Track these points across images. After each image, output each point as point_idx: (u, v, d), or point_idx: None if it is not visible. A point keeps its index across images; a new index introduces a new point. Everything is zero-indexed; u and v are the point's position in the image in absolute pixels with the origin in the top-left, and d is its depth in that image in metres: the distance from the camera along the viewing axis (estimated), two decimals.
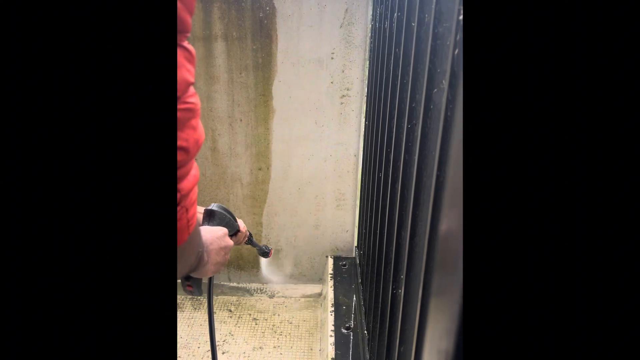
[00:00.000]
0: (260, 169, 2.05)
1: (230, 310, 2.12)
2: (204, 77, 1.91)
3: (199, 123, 0.53)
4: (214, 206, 0.96)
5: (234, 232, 1.02)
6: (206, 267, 0.77)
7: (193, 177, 0.56)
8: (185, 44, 0.47)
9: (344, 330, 1.80)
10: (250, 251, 2.21)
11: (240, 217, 2.12)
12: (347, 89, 1.91)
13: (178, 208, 0.53)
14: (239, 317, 2.07)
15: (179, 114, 0.47)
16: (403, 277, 1.04)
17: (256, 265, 2.25)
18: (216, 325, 2.02)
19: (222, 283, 2.26)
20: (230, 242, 0.88)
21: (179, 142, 0.48)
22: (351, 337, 1.77)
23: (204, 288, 1.00)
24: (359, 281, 2.01)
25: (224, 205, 0.99)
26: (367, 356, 1.59)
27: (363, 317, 1.80)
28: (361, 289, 1.95)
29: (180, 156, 0.49)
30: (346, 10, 1.81)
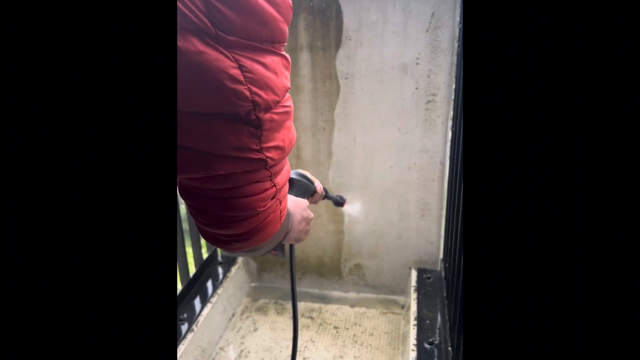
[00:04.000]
0: (341, 177, 2.04)
1: (312, 317, 2.12)
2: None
3: (292, 124, 0.59)
4: (292, 174, 1.00)
5: (311, 194, 1.07)
6: (290, 235, 0.84)
7: (286, 172, 0.64)
8: (284, 52, 0.53)
9: (427, 346, 1.72)
10: (332, 259, 2.20)
11: (322, 225, 2.12)
12: (433, 95, 1.85)
13: (273, 201, 0.62)
14: (319, 325, 2.07)
15: (277, 117, 0.53)
16: None
17: (337, 273, 2.23)
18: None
19: (303, 290, 2.28)
20: (311, 214, 0.96)
21: (276, 142, 0.55)
22: (435, 353, 1.69)
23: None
24: (444, 295, 1.92)
25: (300, 172, 1.03)
26: None
27: (447, 332, 1.72)
28: (446, 303, 1.86)
29: (276, 155, 0.56)
30: (432, 14, 1.75)
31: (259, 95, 0.49)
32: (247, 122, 0.50)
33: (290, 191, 0.98)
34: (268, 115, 0.52)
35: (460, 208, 1.46)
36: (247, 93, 0.48)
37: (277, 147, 0.56)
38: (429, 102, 1.86)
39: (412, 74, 1.83)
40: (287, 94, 0.56)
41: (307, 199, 1.14)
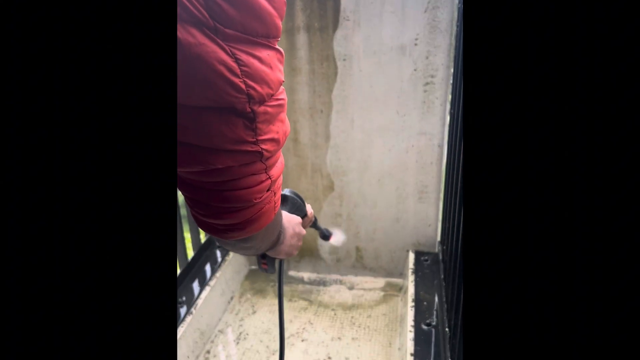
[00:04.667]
0: (339, 160, 2.04)
1: (310, 300, 2.14)
2: (286, 70, 1.92)
3: (285, 116, 0.61)
4: (286, 191, 1.04)
5: (302, 215, 1.08)
6: (281, 247, 0.88)
7: (280, 164, 0.66)
8: (277, 46, 0.55)
9: (424, 327, 1.74)
10: (329, 243, 2.21)
11: (320, 209, 2.13)
12: (432, 76, 1.83)
13: (268, 193, 0.64)
14: (318, 307, 2.09)
15: (271, 110, 0.55)
16: None
17: (335, 256, 2.25)
18: (295, 313, 2.05)
19: (301, 273, 2.29)
20: (304, 230, 0.97)
21: (271, 135, 0.57)
22: (432, 334, 1.71)
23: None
24: (441, 277, 1.94)
25: (295, 191, 1.06)
26: (448, 354, 1.53)
27: (445, 314, 1.74)
28: (443, 285, 1.88)
29: (271, 147, 0.58)
30: None
31: (254, 89, 0.50)
32: (242, 114, 0.51)
33: (284, 207, 1.00)
34: (262, 108, 0.53)
35: (459, 192, 1.46)
36: (243, 86, 0.49)
37: (272, 140, 0.57)
38: (427, 83, 1.85)
39: (411, 55, 1.82)
40: (282, 87, 0.57)
41: None
